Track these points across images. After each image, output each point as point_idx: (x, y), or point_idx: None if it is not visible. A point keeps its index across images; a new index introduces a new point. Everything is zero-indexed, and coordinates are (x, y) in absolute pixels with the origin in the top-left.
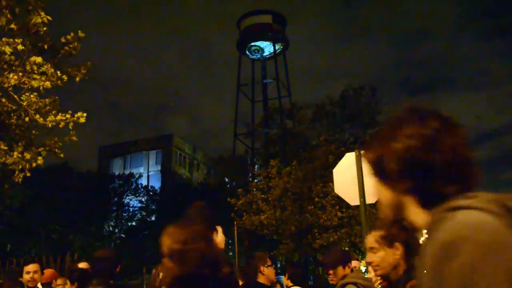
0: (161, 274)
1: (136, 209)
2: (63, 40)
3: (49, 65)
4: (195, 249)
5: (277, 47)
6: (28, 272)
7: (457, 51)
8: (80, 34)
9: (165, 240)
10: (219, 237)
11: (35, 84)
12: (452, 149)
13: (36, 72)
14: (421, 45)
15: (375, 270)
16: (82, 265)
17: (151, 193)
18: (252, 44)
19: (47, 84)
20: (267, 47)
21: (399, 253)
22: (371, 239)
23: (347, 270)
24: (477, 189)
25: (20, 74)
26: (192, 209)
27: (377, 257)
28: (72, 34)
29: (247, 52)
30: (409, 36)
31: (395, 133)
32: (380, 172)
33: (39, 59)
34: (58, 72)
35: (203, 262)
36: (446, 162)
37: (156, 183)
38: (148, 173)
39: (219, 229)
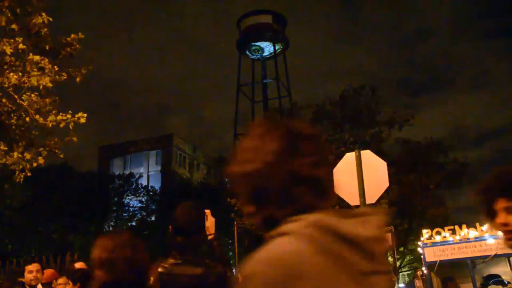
0: (152, 279)
1: (136, 209)
2: (63, 41)
3: (46, 60)
4: (122, 256)
5: (277, 47)
6: (30, 271)
7: (457, 51)
8: (80, 35)
9: (95, 251)
10: (209, 220)
11: (34, 81)
12: (290, 171)
13: (35, 69)
14: (421, 45)
15: None
16: (79, 265)
17: (151, 193)
18: (252, 44)
19: (46, 80)
20: (267, 47)
21: None
22: None
23: None
24: (315, 210)
25: (20, 74)
26: (180, 209)
27: None
28: (72, 35)
29: (247, 52)
30: (409, 36)
31: (239, 156)
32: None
33: (37, 57)
34: (55, 67)
35: (130, 269)
36: (281, 186)
37: (156, 183)
38: (148, 173)
39: (208, 212)
